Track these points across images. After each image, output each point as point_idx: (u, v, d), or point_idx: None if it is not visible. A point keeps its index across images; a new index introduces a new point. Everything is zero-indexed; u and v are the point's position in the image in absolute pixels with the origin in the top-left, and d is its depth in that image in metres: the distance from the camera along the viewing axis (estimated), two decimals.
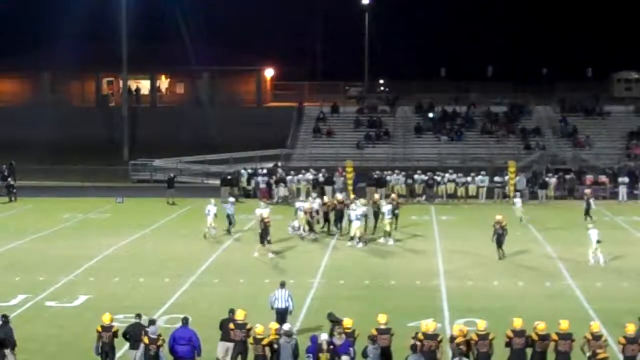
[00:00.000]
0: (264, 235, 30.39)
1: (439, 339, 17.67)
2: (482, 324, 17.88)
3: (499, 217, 29.94)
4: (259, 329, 17.70)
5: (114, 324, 18.27)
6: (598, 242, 29.13)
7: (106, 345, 18.02)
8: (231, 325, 18.41)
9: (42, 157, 55.94)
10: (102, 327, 18.10)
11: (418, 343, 17.41)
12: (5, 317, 18.36)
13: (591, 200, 37.84)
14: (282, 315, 21.11)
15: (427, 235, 34.48)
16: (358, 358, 17.61)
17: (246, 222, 36.72)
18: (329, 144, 59.01)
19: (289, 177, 45.09)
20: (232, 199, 36.59)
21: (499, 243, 29.72)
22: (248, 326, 18.31)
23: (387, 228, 32.83)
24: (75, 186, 50.39)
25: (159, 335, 17.56)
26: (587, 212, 37.42)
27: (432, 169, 47.22)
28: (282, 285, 21.52)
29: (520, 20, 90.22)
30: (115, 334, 18.10)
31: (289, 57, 77.74)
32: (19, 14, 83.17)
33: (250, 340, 17.67)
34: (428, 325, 17.88)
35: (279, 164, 50.91)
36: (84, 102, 72.97)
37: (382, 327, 18.09)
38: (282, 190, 43.45)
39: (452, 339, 17.70)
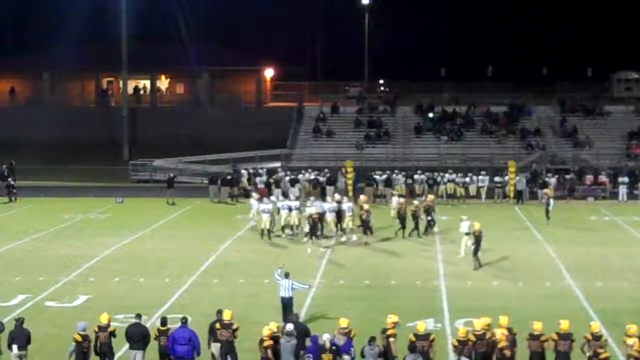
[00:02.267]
0: (313, 231, 31.49)
1: (430, 338, 17.69)
2: (478, 324, 17.89)
3: (477, 226, 28.78)
4: (266, 331, 17.64)
5: (112, 323, 18.28)
6: (467, 234, 29.95)
7: (104, 345, 18.03)
8: (217, 325, 18.39)
9: (42, 157, 55.98)
10: (99, 327, 18.13)
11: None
12: (19, 319, 18.60)
13: (551, 201, 37.25)
14: (286, 305, 21.29)
15: (427, 236, 34.39)
16: (358, 358, 17.62)
17: (246, 221, 36.70)
18: (329, 144, 59.00)
19: (299, 176, 45.08)
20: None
21: (475, 252, 28.58)
22: (234, 326, 18.29)
23: (350, 225, 33.31)
24: (75, 186, 50.42)
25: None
26: (547, 212, 37.06)
27: (432, 169, 47.21)
28: (286, 275, 21.69)
29: (521, 20, 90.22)
30: (112, 334, 18.11)
31: (289, 57, 77.77)
32: (19, 14, 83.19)
33: (269, 341, 17.49)
34: (419, 325, 17.95)
35: (236, 165, 50.75)
36: (84, 102, 72.97)
37: (388, 326, 17.97)
38: (294, 190, 43.35)
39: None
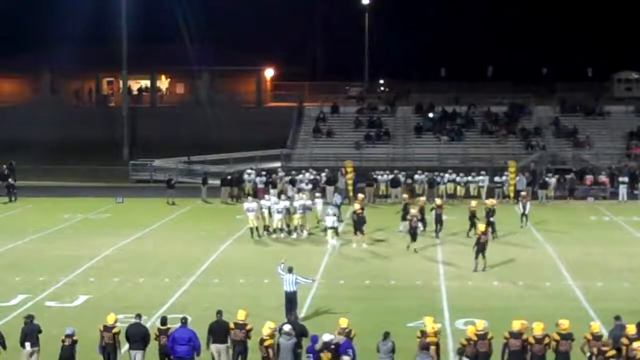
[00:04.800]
0: (357, 226, 31.94)
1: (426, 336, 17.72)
2: (480, 324, 17.88)
3: (482, 227, 28.93)
4: (267, 330, 17.65)
5: (117, 324, 18.32)
6: (332, 228, 31.81)
7: (109, 345, 18.10)
8: (231, 325, 18.42)
9: (42, 157, 55.97)
10: (104, 326, 18.18)
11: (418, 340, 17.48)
12: (29, 316, 18.85)
13: (528, 204, 36.49)
14: (290, 300, 21.38)
15: (427, 235, 34.38)
16: (358, 358, 17.63)
17: (245, 222, 36.66)
18: (329, 144, 59.00)
19: (299, 177, 45.11)
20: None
21: (481, 252, 28.23)
22: (248, 327, 18.30)
23: (297, 222, 34.08)
24: (75, 186, 50.41)
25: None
26: (522, 215, 36.20)
27: (432, 169, 47.22)
28: (290, 270, 21.77)
29: (520, 20, 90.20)
30: (116, 335, 18.13)
31: (289, 57, 77.74)
32: (19, 14, 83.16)
33: (269, 340, 17.50)
34: (426, 321, 18.02)
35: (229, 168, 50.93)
36: (84, 102, 72.91)
37: (429, 333, 17.73)
38: (290, 191, 43.40)
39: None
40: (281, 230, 34.23)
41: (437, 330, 17.82)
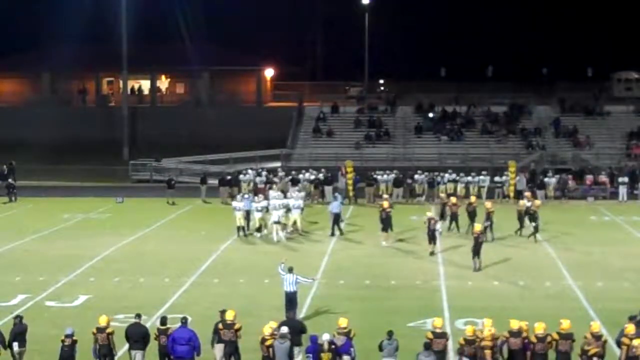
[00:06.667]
0: (385, 225, 32.31)
1: (446, 337, 17.71)
2: (489, 323, 17.86)
3: (479, 227, 29.00)
4: (267, 329, 17.65)
5: (112, 323, 18.29)
6: (276, 223, 33.01)
7: (103, 347, 18.00)
8: (220, 326, 18.40)
9: (42, 157, 55.98)
10: (97, 328, 18.11)
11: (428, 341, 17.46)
12: (19, 317, 18.98)
13: (529, 203, 35.41)
14: (291, 300, 21.39)
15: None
16: (358, 358, 17.63)
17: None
18: (329, 144, 58.99)
19: (300, 176, 45.06)
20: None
21: (476, 252, 28.27)
22: (237, 326, 18.27)
23: (257, 224, 34.13)
24: (75, 186, 50.42)
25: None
26: (531, 219, 34.93)
27: (432, 169, 47.23)
28: (290, 270, 21.77)
29: (520, 20, 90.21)
30: (110, 335, 18.06)
31: (289, 57, 77.77)
32: (19, 14, 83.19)
33: (270, 340, 17.48)
34: (435, 323, 17.97)
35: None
36: (84, 102, 72.92)
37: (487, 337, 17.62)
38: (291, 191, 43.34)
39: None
40: (259, 229, 34.07)
41: (493, 333, 17.47)
